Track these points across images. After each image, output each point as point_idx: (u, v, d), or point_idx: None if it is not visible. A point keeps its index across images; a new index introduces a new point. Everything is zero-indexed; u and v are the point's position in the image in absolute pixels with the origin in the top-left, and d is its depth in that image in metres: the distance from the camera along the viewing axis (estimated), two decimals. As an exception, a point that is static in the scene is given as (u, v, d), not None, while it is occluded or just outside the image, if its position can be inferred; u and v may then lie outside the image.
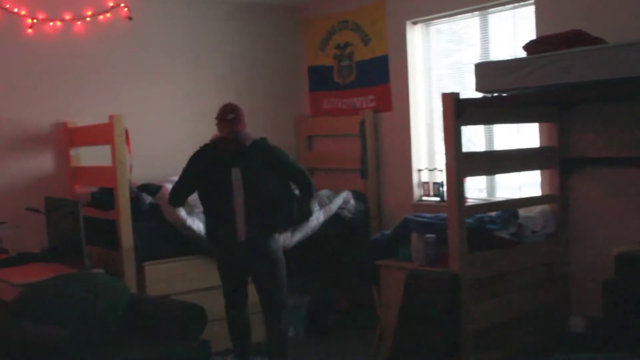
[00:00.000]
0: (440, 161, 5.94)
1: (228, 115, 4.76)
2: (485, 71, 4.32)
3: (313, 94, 7.07)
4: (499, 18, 5.55)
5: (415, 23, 6.10)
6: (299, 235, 5.76)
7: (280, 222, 4.84)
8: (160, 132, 6.16)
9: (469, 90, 5.27)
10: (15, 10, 5.59)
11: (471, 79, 4.45)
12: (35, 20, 5.67)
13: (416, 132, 6.14)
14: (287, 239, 5.54)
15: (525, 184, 5.45)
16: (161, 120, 6.24)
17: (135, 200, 5.34)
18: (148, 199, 5.48)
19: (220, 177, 4.67)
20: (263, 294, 4.86)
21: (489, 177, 5.63)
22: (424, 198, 6.10)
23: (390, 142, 6.32)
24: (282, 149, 4.93)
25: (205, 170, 4.75)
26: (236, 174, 4.65)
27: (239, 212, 4.64)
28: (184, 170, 4.85)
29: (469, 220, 4.64)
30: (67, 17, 5.83)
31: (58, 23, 5.79)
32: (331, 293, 6.41)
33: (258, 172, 4.69)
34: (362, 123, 6.31)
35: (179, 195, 4.89)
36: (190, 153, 4.94)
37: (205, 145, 4.85)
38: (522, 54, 4.41)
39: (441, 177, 5.89)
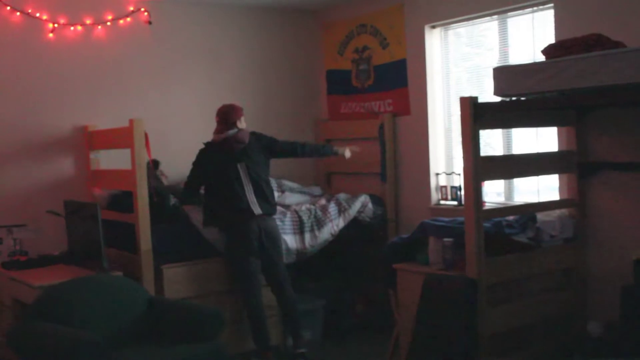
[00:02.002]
0: (458, 165, 5.93)
1: (229, 118, 5.35)
2: (504, 75, 4.31)
3: (331, 98, 7.08)
4: (518, 22, 5.54)
5: (433, 27, 6.09)
6: (319, 242, 5.79)
7: (275, 206, 5.52)
8: (179, 136, 6.19)
9: (487, 94, 5.26)
10: (37, 14, 5.65)
11: (490, 83, 4.45)
12: (56, 25, 5.72)
13: (434, 135, 6.13)
14: (308, 244, 5.75)
15: (543, 188, 5.43)
16: (180, 124, 6.28)
17: (161, 198, 5.40)
18: (173, 200, 5.53)
19: (230, 173, 5.28)
20: (271, 267, 5.40)
21: (507, 181, 5.61)
22: (442, 202, 6.09)
23: (408, 145, 6.31)
24: (273, 137, 5.62)
25: (215, 167, 5.31)
26: (242, 168, 5.29)
27: (251, 197, 5.29)
28: (193, 167, 5.41)
29: (486, 224, 4.63)
30: (88, 21, 5.88)
31: (79, 27, 5.84)
32: (348, 296, 6.40)
33: (257, 163, 5.38)
34: (382, 127, 6.31)
35: (194, 190, 5.43)
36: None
37: (209, 144, 5.39)
38: (541, 58, 4.40)
39: (459, 181, 5.88)
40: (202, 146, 5.43)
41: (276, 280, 5.42)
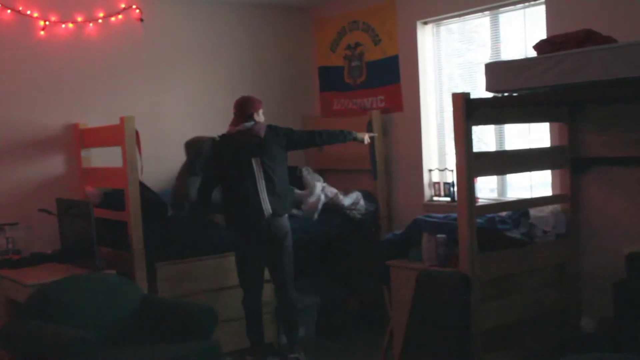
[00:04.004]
0: (451, 161, 5.93)
1: (245, 110, 5.23)
2: (496, 71, 4.31)
3: (323, 95, 7.08)
4: (509, 18, 5.54)
5: (425, 23, 6.09)
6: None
7: (287, 205, 5.36)
8: (170, 134, 6.17)
9: (479, 90, 5.27)
10: (28, 12, 5.62)
11: (482, 79, 4.45)
12: (47, 22, 5.70)
13: (427, 132, 6.13)
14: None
15: (536, 184, 5.44)
16: (172, 122, 6.26)
17: (156, 201, 5.41)
18: (171, 212, 5.50)
19: (243, 167, 5.15)
20: (276, 267, 5.30)
21: (500, 177, 5.62)
22: (435, 198, 6.09)
23: (400, 142, 6.31)
24: (290, 128, 5.49)
25: (228, 162, 5.22)
26: (257, 163, 5.15)
27: (263, 195, 5.14)
28: (208, 163, 5.30)
29: (479, 220, 4.63)
30: (79, 18, 5.86)
31: (70, 25, 5.82)
32: (341, 293, 6.41)
33: (273, 159, 5.22)
34: (370, 124, 6.28)
35: (207, 193, 5.38)
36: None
37: (224, 137, 5.31)
38: (533, 53, 4.40)
39: (452, 177, 5.89)
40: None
41: (280, 280, 5.33)
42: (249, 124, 5.20)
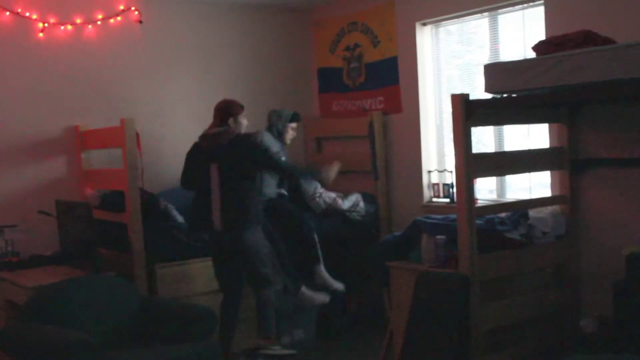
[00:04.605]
0: (450, 162, 5.94)
1: (223, 115, 5.10)
2: (495, 72, 4.32)
3: (322, 96, 7.08)
4: (508, 19, 5.55)
5: (424, 24, 6.10)
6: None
7: (248, 218, 5.00)
8: (170, 135, 6.17)
9: (478, 91, 5.26)
10: (27, 14, 5.62)
11: (481, 80, 4.45)
12: (46, 24, 5.70)
13: (426, 133, 6.14)
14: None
15: (535, 185, 5.44)
16: (171, 123, 6.26)
17: (152, 201, 5.40)
18: (163, 203, 5.51)
19: (201, 172, 5.01)
20: (247, 275, 5.15)
21: (499, 178, 5.62)
22: (434, 199, 6.10)
23: (399, 143, 6.31)
24: (261, 148, 5.28)
25: (193, 167, 5.14)
26: (214, 170, 4.95)
27: (216, 204, 4.96)
28: (184, 163, 5.26)
29: (479, 222, 4.63)
30: (78, 20, 5.85)
31: (69, 27, 5.82)
32: (341, 295, 6.40)
33: (232, 169, 4.95)
34: (371, 125, 6.30)
35: (186, 180, 5.24)
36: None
37: (196, 142, 5.20)
38: (532, 54, 4.41)
39: (451, 178, 5.89)
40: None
41: (252, 286, 5.18)
42: (220, 129, 5.04)
